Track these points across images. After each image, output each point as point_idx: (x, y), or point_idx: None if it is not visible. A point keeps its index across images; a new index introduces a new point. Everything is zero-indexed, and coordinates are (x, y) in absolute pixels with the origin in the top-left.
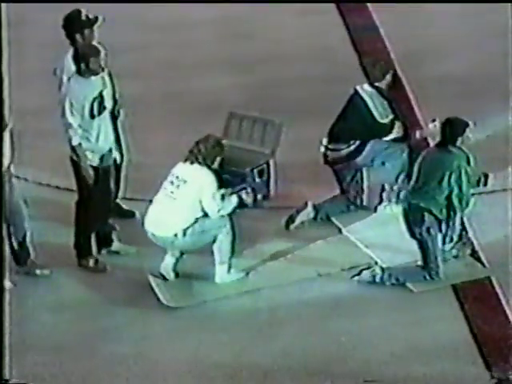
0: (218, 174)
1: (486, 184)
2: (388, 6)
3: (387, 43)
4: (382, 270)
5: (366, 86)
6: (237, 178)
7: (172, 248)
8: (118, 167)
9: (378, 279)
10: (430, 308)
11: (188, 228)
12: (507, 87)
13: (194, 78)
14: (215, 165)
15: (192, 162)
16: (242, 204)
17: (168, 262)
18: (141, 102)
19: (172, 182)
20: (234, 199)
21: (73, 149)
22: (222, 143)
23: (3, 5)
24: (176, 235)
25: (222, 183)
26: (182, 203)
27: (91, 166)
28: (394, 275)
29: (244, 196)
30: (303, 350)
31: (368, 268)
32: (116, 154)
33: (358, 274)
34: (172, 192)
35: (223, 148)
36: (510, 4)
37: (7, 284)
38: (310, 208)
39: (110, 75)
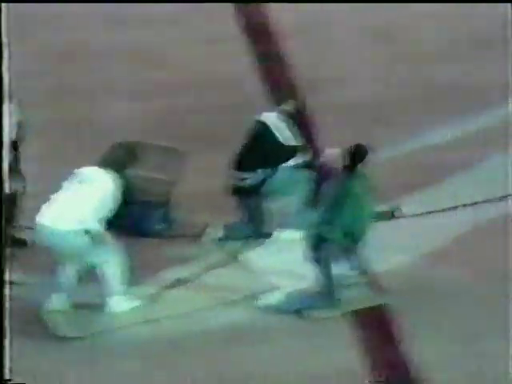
0: (125, 181)
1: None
2: (295, 33)
3: (293, 70)
4: (283, 296)
5: (270, 113)
6: (139, 206)
7: (59, 246)
8: (14, 196)
9: (278, 306)
10: (328, 335)
11: (83, 231)
12: (411, 113)
13: (92, 105)
14: (125, 172)
15: (100, 166)
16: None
17: (57, 298)
18: (38, 130)
19: (79, 181)
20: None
21: None
22: (136, 152)
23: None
24: (69, 232)
25: (127, 192)
26: (84, 201)
27: None
28: (294, 302)
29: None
30: (204, 379)
31: (268, 294)
32: (13, 183)
33: (259, 300)
34: (76, 190)
35: (136, 156)
36: (509, 4)
37: None
38: (212, 230)
39: (19, 104)
